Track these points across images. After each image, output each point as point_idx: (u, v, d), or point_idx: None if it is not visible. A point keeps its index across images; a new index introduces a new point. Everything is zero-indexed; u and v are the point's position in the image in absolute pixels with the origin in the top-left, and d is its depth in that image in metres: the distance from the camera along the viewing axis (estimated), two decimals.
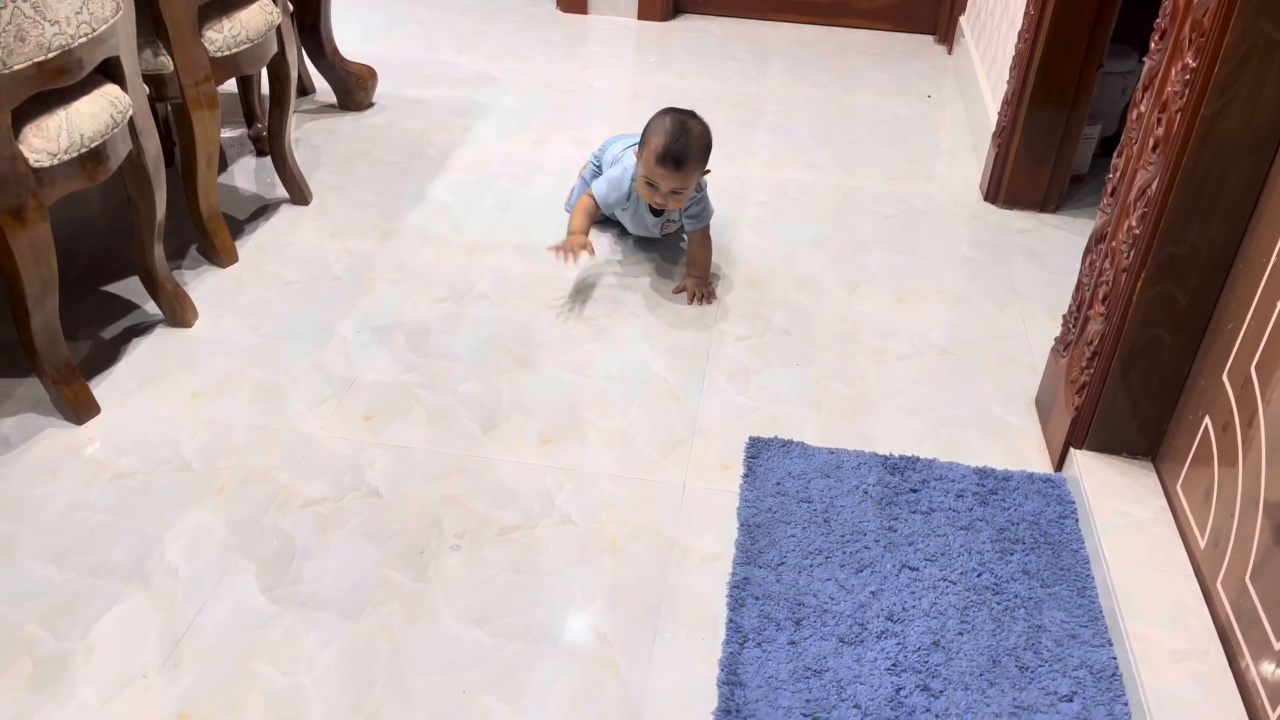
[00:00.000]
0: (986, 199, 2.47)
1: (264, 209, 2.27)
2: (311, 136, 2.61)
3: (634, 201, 2.03)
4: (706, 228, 2.04)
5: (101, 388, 1.70)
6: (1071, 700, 1.25)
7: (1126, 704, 1.24)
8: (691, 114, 1.95)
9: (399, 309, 1.94)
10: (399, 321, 1.91)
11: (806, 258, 2.20)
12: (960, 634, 1.33)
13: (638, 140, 1.99)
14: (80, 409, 1.61)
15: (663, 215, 2.06)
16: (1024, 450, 1.67)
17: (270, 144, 2.24)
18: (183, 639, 1.28)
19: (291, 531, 1.45)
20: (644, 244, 2.19)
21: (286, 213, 2.27)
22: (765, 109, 2.92)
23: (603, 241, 2.17)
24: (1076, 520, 1.51)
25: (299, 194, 2.30)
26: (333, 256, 2.11)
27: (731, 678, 1.26)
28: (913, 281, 2.13)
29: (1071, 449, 1.58)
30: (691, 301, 1.99)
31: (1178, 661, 1.25)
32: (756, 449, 1.63)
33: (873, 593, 1.38)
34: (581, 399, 1.73)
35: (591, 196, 2.01)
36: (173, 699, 1.21)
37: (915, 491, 1.55)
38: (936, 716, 1.22)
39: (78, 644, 1.27)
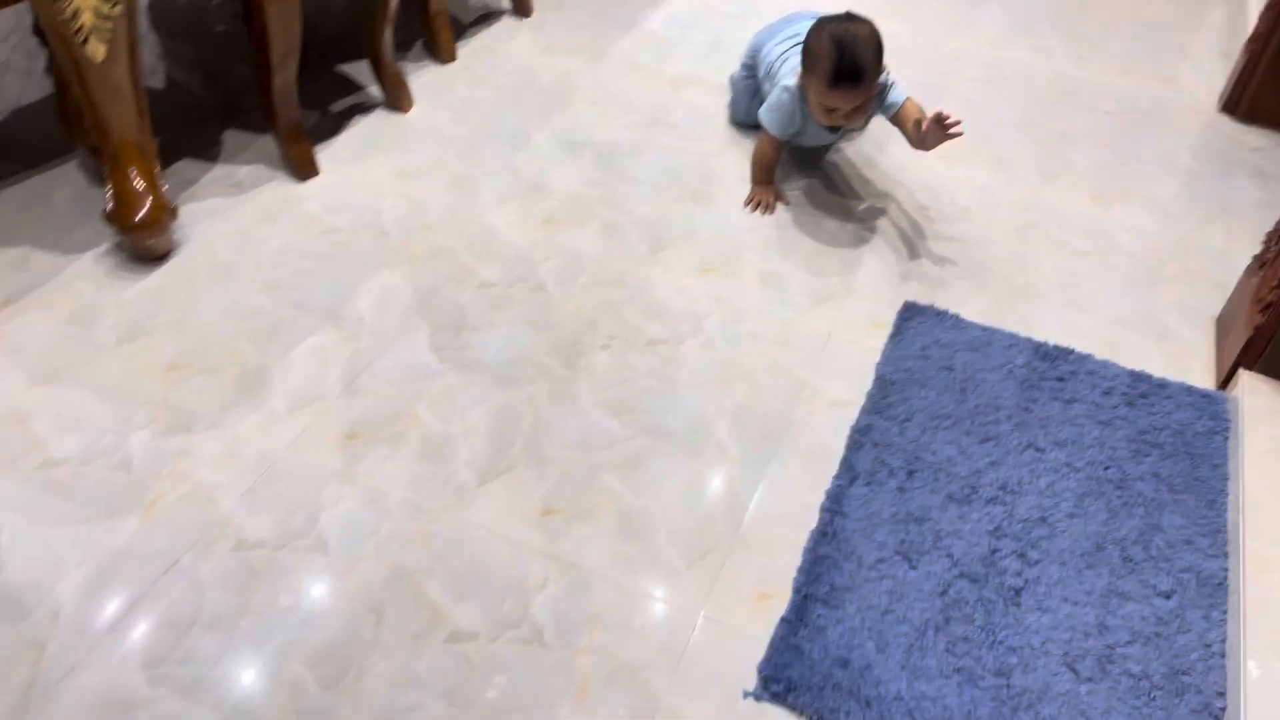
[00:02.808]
0: (1224, 110, 2.29)
1: (488, 16, 2.38)
2: None
3: (806, 121, 1.82)
4: (907, 99, 1.79)
5: (323, 154, 1.88)
6: (1169, 598, 1.26)
7: (1225, 612, 1.24)
8: (850, 17, 1.73)
9: (593, 127, 2.03)
10: (590, 139, 2.00)
11: (1008, 140, 2.13)
12: (1071, 516, 1.35)
13: (792, 38, 1.82)
14: (303, 167, 1.80)
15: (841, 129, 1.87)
16: (1190, 364, 1.61)
17: None
18: (361, 374, 1.46)
19: (465, 304, 1.59)
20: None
21: (507, 23, 2.37)
22: None
23: None
24: (1227, 438, 1.47)
25: (521, 6, 2.39)
26: (541, 69, 2.20)
27: (835, 506, 1.33)
28: (1116, 182, 2.03)
29: (1241, 369, 1.52)
30: (941, 141, 1.69)
31: None
32: (910, 313, 1.65)
33: (992, 463, 1.41)
34: (747, 240, 1.79)
35: (768, 134, 1.83)
36: (346, 420, 1.39)
37: (1061, 380, 1.54)
38: (1026, 582, 1.26)
39: (276, 361, 1.47)
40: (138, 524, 1.24)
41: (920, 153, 1.85)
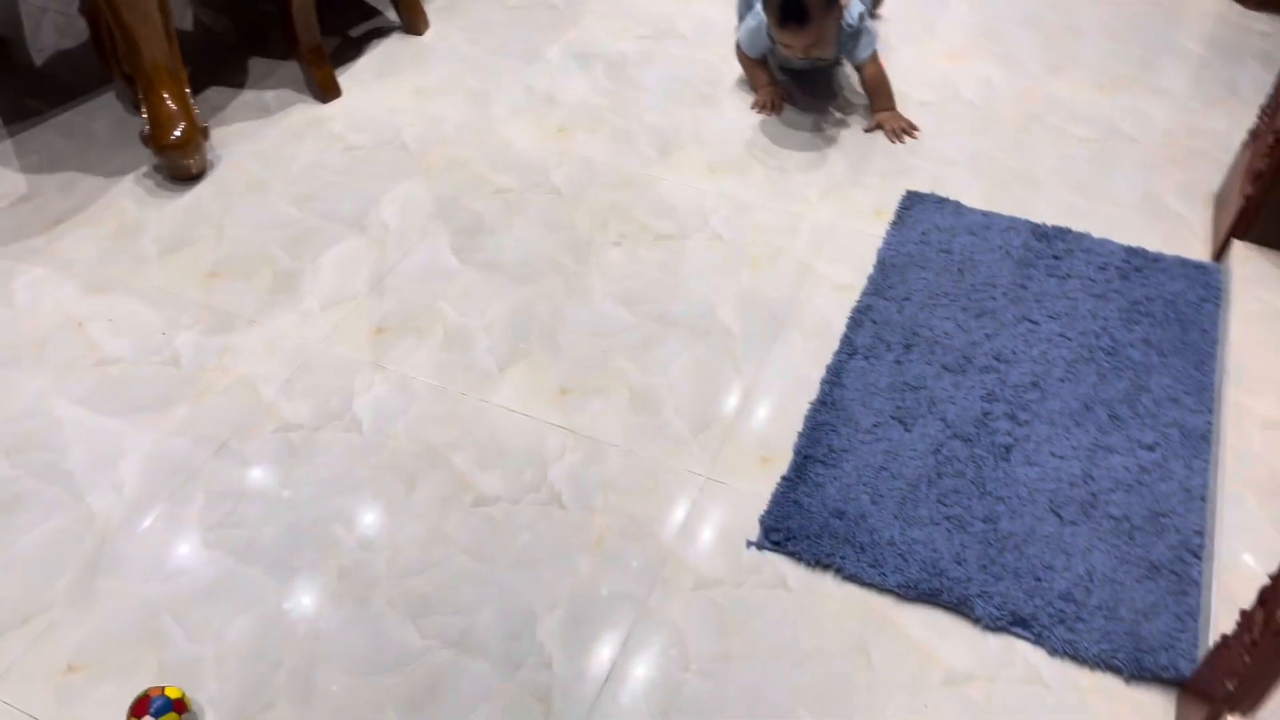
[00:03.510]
0: None
1: None
2: None
3: (776, 49, 1.87)
4: (874, 55, 1.84)
5: (344, 76, 1.96)
6: (1153, 450, 1.32)
7: (1207, 461, 1.30)
8: None
9: (603, 40, 2.09)
10: (601, 51, 2.05)
11: (1013, 35, 2.15)
12: (1062, 380, 1.41)
13: None
14: (326, 89, 1.88)
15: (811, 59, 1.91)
16: (1186, 239, 1.66)
17: None
18: (386, 276, 1.55)
19: (482, 210, 1.68)
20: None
21: None
22: None
23: None
24: (1218, 306, 1.52)
25: None
26: None
27: (834, 378, 1.41)
28: (1122, 70, 2.05)
29: (1233, 239, 1.56)
30: (892, 138, 1.84)
31: (1269, 429, 1.29)
32: (911, 201, 1.70)
33: (987, 335, 1.47)
34: (754, 139, 1.84)
35: (740, 50, 1.92)
36: (375, 315, 1.49)
37: (1057, 258, 1.60)
38: (1016, 440, 1.33)
39: (308, 265, 1.56)
40: (188, 412, 1.35)
41: (927, 51, 1.94)
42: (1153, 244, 1.63)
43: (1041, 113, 1.94)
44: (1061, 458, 1.31)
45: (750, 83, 1.94)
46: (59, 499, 1.24)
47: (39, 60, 2.00)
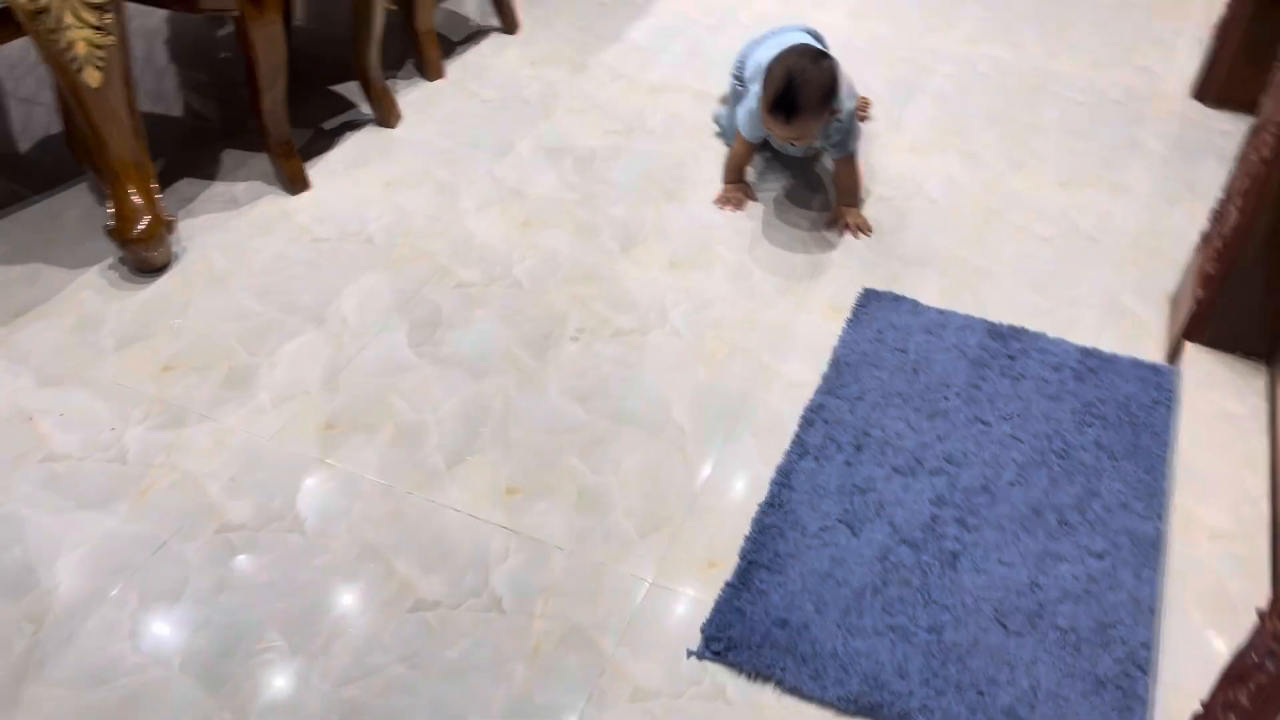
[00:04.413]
0: (1196, 96, 2.33)
1: (477, 34, 2.49)
2: None
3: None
4: (852, 155, 1.88)
5: (316, 168, 1.99)
6: (1102, 558, 1.31)
7: (1155, 570, 1.29)
8: (816, 56, 1.75)
9: (573, 135, 2.12)
10: (570, 146, 2.09)
11: (977, 132, 2.19)
12: (1012, 484, 1.40)
13: (777, 48, 1.83)
14: (295, 182, 1.91)
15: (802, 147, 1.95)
16: (1142, 340, 1.66)
17: None
18: (341, 370, 1.56)
19: (442, 303, 1.69)
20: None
21: (496, 39, 2.47)
22: None
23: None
24: (1170, 408, 1.52)
25: (509, 22, 2.49)
26: (526, 82, 2.30)
27: (783, 480, 1.40)
28: (1082, 168, 2.09)
29: (1186, 341, 1.57)
30: (843, 233, 1.86)
31: (1216, 539, 1.28)
32: (868, 299, 1.71)
33: (939, 436, 1.47)
34: (717, 235, 1.86)
35: (740, 135, 1.90)
36: (326, 411, 1.49)
37: (1012, 358, 1.60)
38: (964, 546, 1.32)
39: (264, 360, 1.57)
40: (130, 510, 1.34)
41: (891, 146, 1.95)
42: (1109, 344, 1.64)
43: (1002, 209, 1.96)
44: (1009, 565, 1.30)
45: (725, 172, 1.95)
46: None
47: (23, 148, 2.04)
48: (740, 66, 2.01)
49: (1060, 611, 1.25)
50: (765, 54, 1.89)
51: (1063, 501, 1.38)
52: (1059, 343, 1.63)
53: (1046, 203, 1.98)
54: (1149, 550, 1.32)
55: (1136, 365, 1.59)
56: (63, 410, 1.47)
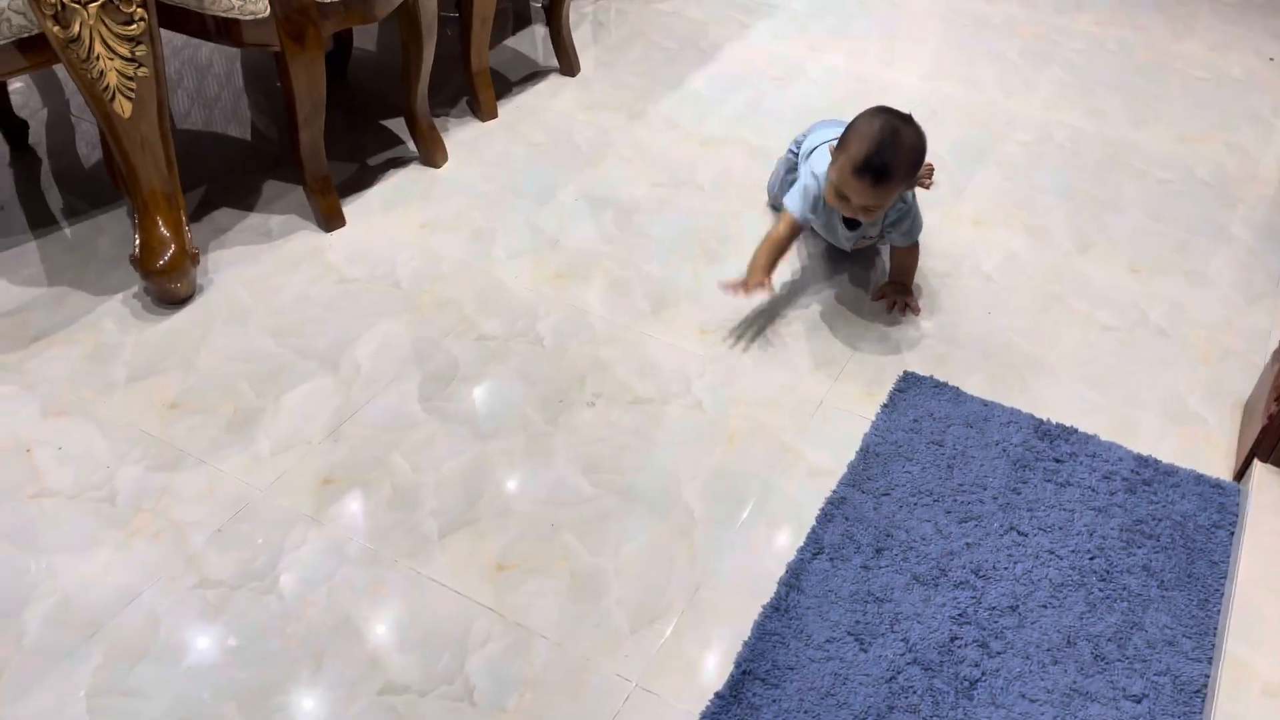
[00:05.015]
0: None
1: (535, 75, 2.45)
2: (600, 14, 2.75)
3: (826, 210, 1.72)
4: (916, 244, 1.76)
5: (353, 205, 1.96)
6: (1139, 702, 1.18)
7: None
8: (907, 119, 1.61)
9: (618, 185, 2.06)
10: (614, 196, 2.02)
11: (1046, 207, 2.06)
12: (1044, 606, 1.28)
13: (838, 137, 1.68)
14: (330, 218, 1.88)
15: (859, 230, 1.76)
16: (1207, 452, 1.52)
17: (549, 16, 2.39)
18: (346, 421, 1.51)
19: (459, 356, 1.63)
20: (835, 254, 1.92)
21: (553, 81, 2.43)
22: (1067, 45, 2.70)
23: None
24: (1232, 534, 1.37)
25: (568, 65, 2.45)
26: (579, 127, 2.25)
27: (793, 581, 1.30)
28: (1158, 254, 1.94)
29: (1256, 460, 1.43)
30: (891, 310, 1.75)
31: (1271, 697, 1.14)
32: (907, 384, 1.60)
33: (968, 544, 1.35)
34: (752, 302, 1.77)
35: (788, 214, 1.71)
36: (324, 465, 1.44)
37: (1059, 461, 1.48)
38: (984, 673, 1.20)
39: (270, 404, 1.53)
40: (110, 557, 1.30)
41: (951, 216, 1.79)
42: (1168, 454, 1.50)
43: (1065, 293, 1.83)
44: (1033, 700, 1.18)
45: (756, 254, 1.71)
46: None
47: (73, 168, 2.05)
48: (799, 141, 1.89)
49: None
50: (831, 133, 1.75)
51: (1100, 631, 1.25)
52: (1113, 447, 1.50)
53: (1115, 289, 1.85)
54: (1192, 698, 1.18)
55: (1198, 480, 1.45)
56: (62, 444, 1.45)
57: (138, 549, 1.31)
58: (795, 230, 1.73)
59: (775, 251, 1.71)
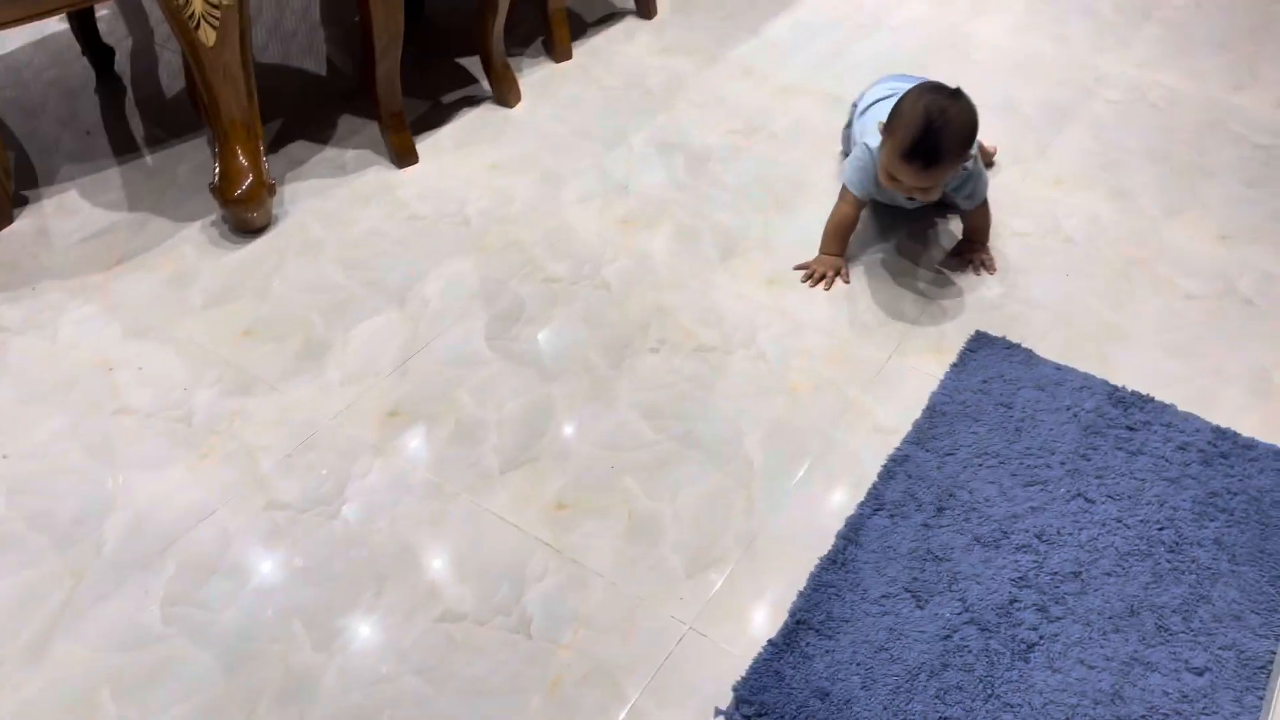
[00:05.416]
0: None
1: (611, 16, 2.42)
2: None
3: (882, 189, 1.65)
4: (985, 204, 1.70)
5: (425, 143, 1.96)
6: (1201, 675, 1.15)
7: (1261, 697, 1.13)
8: (955, 94, 1.54)
9: (690, 131, 2.03)
10: (686, 142, 2.00)
11: (1134, 170, 1.99)
12: (1108, 575, 1.25)
13: (889, 95, 1.65)
14: (402, 155, 1.89)
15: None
16: None
17: None
18: (414, 356, 1.52)
19: (526, 297, 1.64)
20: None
21: (629, 24, 2.40)
22: (1167, 2, 2.58)
23: None
24: None
25: (646, 8, 2.41)
26: (653, 71, 2.22)
27: (851, 535, 1.29)
28: (1250, 221, 1.87)
29: None
30: (967, 269, 1.71)
31: None
32: (978, 344, 1.57)
33: (1032, 508, 1.33)
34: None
35: (848, 192, 1.68)
36: (390, 398, 1.46)
37: (1132, 430, 1.44)
38: (1042, 638, 1.19)
39: (339, 335, 1.55)
40: (184, 475, 1.34)
41: (1033, 176, 1.73)
42: (1248, 427, 1.45)
43: (1149, 259, 1.77)
44: (1091, 667, 1.16)
45: (824, 238, 1.70)
46: (41, 550, 1.25)
47: (157, 96, 2.09)
48: (859, 103, 1.83)
49: None
50: (888, 89, 1.71)
51: (1165, 603, 1.23)
52: (1190, 418, 1.46)
53: (1202, 256, 1.78)
54: (1256, 674, 1.15)
55: (1278, 456, 1.40)
56: (141, 364, 1.49)
57: (210, 469, 1.35)
58: (859, 207, 1.69)
59: (842, 232, 1.70)
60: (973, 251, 1.73)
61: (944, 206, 1.82)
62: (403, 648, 1.16)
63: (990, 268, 1.72)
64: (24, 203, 1.78)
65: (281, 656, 1.15)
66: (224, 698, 1.11)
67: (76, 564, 1.23)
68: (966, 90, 1.56)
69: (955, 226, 1.81)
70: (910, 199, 1.65)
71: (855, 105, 1.85)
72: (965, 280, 1.71)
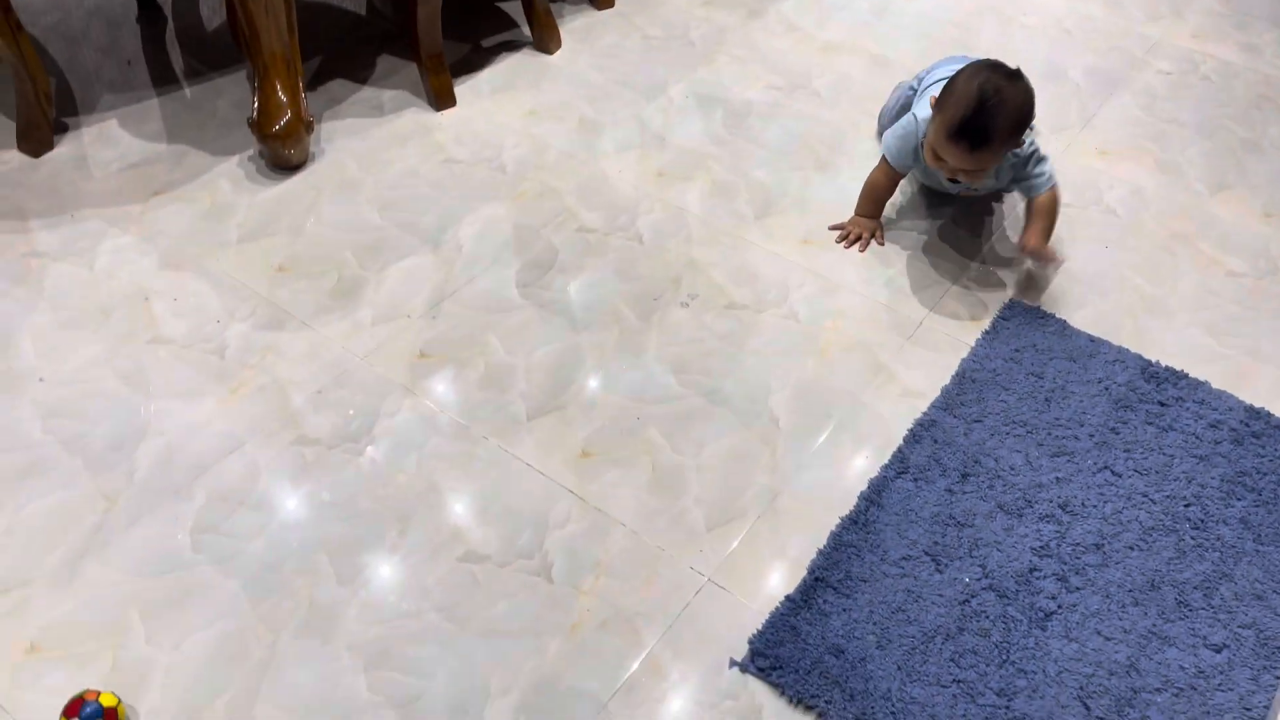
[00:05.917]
0: None
1: None
2: None
3: (924, 162, 1.58)
4: (1054, 189, 1.58)
5: (464, 87, 1.95)
6: (1219, 651, 1.15)
7: (1278, 676, 1.13)
8: (1014, 75, 1.47)
9: (730, 85, 2.01)
10: (725, 96, 1.98)
11: (1181, 143, 1.95)
12: (1131, 548, 1.25)
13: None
14: (440, 98, 1.88)
15: (963, 183, 1.59)
16: None
17: None
18: (446, 299, 1.53)
19: (559, 246, 1.63)
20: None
21: None
22: None
23: None
24: None
25: None
26: (695, 23, 2.19)
27: (874, 496, 1.29)
28: None
29: None
30: (1037, 265, 1.61)
31: None
32: (1012, 312, 1.56)
33: (1058, 479, 1.33)
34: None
35: (884, 160, 1.63)
36: (421, 339, 1.47)
37: (1164, 405, 1.42)
38: (1060, 607, 1.19)
39: (373, 275, 1.56)
40: (216, 406, 1.36)
41: (1077, 145, 1.69)
42: None
43: (1192, 234, 1.74)
44: (1108, 638, 1.16)
45: (859, 201, 1.67)
46: (75, 472, 1.27)
47: (197, 29, 2.09)
48: (922, 77, 1.74)
49: (1155, 703, 1.11)
50: (943, 71, 1.63)
51: (1187, 579, 1.22)
52: (1223, 396, 1.44)
53: (1246, 234, 1.75)
54: (1275, 653, 1.15)
55: None
56: (176, 295, 1.51)
57: (241, 403, 1.37)
58: (893, 178, 1.65)
59: (876, 195, 1.67)
60: (1036, 247, 1.56)
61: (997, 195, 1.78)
62: (426, 585, 1.18)
63: (1052, 257, 1.58)
64: (64, 130, 1.79)
65: (306, 588, 1.17)
66: (249, 625, 1.13)
67: (109, 488, 1.25)
68: (1012, 56, 1.52)
69: (1008, 209, 1.78)
70: (953, 180, 1.58)
71: (913, 88, 1.75)
72: (1006, 248, 1.69)
